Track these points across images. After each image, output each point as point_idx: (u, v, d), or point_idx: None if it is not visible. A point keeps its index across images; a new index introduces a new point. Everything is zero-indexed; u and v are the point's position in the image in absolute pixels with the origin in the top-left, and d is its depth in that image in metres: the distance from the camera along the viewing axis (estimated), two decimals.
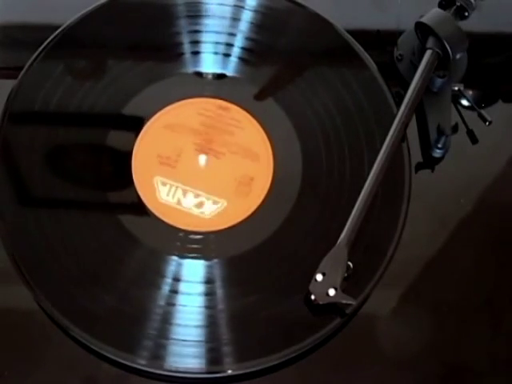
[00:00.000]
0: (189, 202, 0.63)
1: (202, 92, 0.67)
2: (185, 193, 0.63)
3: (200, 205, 0.63)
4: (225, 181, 0.64)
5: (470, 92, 0.68)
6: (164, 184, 0.63)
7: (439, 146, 0.65)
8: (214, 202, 0.63)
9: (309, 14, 0.69)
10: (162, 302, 0.59)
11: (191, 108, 0.66)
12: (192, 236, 0.62)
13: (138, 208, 0.63)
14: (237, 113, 0.66)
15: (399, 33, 0.70)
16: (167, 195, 0.63)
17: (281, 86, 0.67)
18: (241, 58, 0.68)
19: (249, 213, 0.63)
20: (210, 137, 0.65)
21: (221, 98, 0.66)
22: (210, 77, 0.68)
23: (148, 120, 0.65)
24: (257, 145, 0.65)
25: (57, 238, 0.61)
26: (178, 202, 0.63)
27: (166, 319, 0.59)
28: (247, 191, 0.63)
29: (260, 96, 0.66)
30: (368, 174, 0.61)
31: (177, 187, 0.63)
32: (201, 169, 0.64)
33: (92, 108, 0.65)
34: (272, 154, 0.65)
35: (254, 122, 0.66)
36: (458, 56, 0.65)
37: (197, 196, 0.63)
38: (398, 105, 0.64)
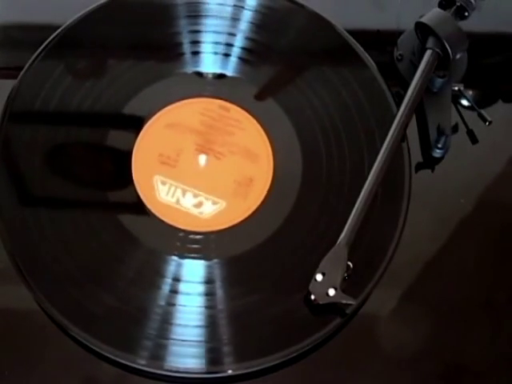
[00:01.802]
0: (188, 201, 0.63)
1: (201, 92, 0.67)
2: (184, 192, 0.63)
3: (199, 205, 0.63)
4: (224, 181, 0.64)
5: (470, 92, 0.68)
6: (164, 183, 0.63)
7: (439, 146, 0.65)
8: (214, 203, 0.63)
9: (309, 13, 0.69)
10: (161, 302, 0.59)
11: (192, 108, 0.66)
12: (192, 236, 0.62)
13: (138, 208, 0.63)
14: (237, 113, 0.66)
15: (399, 33, 0.70)
16: (166, 194, 0.63)
17: (281, 86, 0.67)
18: (241, 58, 0.68)
19: (249, 213, 0.63)
20: (211, 137, 0.65)
21: (221, 98, 0.66)
22: (209, 77, 0.68)
23: (148, 120, 0.65)
24: (257, 145, 0.65)
25: (57, 238, 0.61)
26: (177, 202, 0.63)
27: (166, 319, 0.59)
28: (246, 192, 0.63)
29: (260, 96, 0.66)
30: (368, 174, 0.61)
31: (176, 187, 0.63)
32: (201, 169, 0.64)
33: (92, 108, 0.65)
34: (272, 154, 0.65)
35: (254, 121, 0.66)
36: (458, 56, 0.65)
37: (196, 196, 0.63)
38: (398, 105, 0.64)
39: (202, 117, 0.66)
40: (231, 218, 0.62)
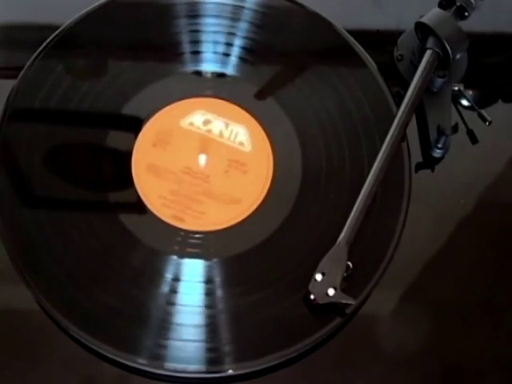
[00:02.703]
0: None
1: (201, 92, 0.67)
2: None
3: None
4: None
5: (470, 92, 0.68)
6: None
7: (439, 145, 0.65)
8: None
9: (309, 13, 0.69)
10: (162, 302, 0.59)
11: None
12: (192, 236, 0.62)
13: (138, 208, 0.63)
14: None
15: (399, 33, 0.70)
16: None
17: (281, 86, 0.67)
18: (241, 58, 0.68)
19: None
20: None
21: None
22: (209, 76, 0.68)
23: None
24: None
25: (57, 238, 0.61)
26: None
27: (166, 319, 0.59)
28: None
29: (260, 95, 0.66)
30: (368, 174, 0.61)
31: None
32: (201, 168, 0.64)
33: (92, 108, 0.65)
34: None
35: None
36: (458, 56, 0.65)
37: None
38: (398, 105, 0.64)
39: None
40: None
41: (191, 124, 0.65)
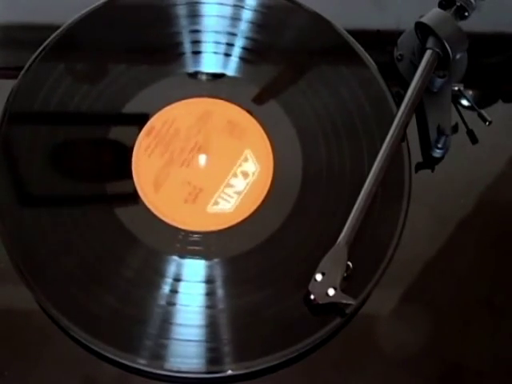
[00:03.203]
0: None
1: (202, 92, 0.67)
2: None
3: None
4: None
5: (470, 92, 0.68)
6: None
7: (439, 145, 0.65)
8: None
9: (309, 13, 0.69)
10: (162, 302, 0.59)
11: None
12: (192, 236, 0.62)
13: (139, 208, 0.63)
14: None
15: (399, 33, 0.70)
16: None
17: (281, 86, 0.67)
18: (241, 58, 0.68)
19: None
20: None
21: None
22: (210, 77, 0.68)
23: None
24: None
25: (57, 238, 0.61)
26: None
27: (167, 319, 0.59)
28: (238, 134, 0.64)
29: (259, 99, 0.66)
30: (368, 174, 0.61)
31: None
32: (201, 169, 0.64)
33: (92, 108, 0.65)
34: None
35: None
36: (458, 56, 0.65)
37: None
38: (398, 105, 0.64)
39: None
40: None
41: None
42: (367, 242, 0.61)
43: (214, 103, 0.66)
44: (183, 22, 0.69)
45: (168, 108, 0.66)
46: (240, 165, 0.64)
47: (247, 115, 0.66)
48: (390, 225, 0.62)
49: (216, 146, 0.65)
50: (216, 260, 0.61)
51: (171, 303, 0.59)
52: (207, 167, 0.64)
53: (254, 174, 0.64)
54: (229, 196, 0.63)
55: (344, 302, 0.58)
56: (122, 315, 0.59)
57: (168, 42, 0.68)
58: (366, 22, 0.72)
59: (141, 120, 0.65)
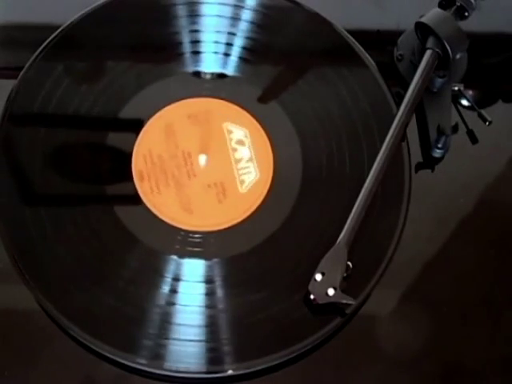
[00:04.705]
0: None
1: (201, 92, 0.67)
2: None
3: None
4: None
5: (470, 92, 0.68)
6: None
7: (439, 145, 0.65)
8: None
9: (309, 13, 0.69)
10: (161, 302, 0.59)
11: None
12: (192, 236, 0.62)
13: (138, 208, 0.63)
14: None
15: (399, 33, 0.70)
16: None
17: (281, 86, 0.67)
18: (241, 58, 0.68)
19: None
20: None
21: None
22: (209, 76, 0.68)
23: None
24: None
25: (57, 238, 0.61)
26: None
27: (166, 319, 0.59)
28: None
29: (263, 99, 0.66)
30: (368, 174, 0.61)
31: None
32: (206, 168, 0.64)
33: (92, 108, 0.65)
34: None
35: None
36: (458, 56, 0.65)
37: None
38: (398, 105, 0.64)
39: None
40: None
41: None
42: (367, 242, 0.61)
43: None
44: (183, 22, 0.69)
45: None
46: (230, 139, 0.65)
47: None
48: (389, 225, 0.62)
49: (199, 143, 0.65)
50: (216, 260, 0.61)
51: (171, 303, 0.59)
52: (209, 163, 0.64)
53: (246, 136, 0.64)
54: (246, 168, 0.64)
55: (344, 301, 0.58)
56: (121, 315, 0.59)
57: (168, 42, 0.68)
58: (366, 22, 0.72)
59: (141, 120, 0.65)
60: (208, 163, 0.64)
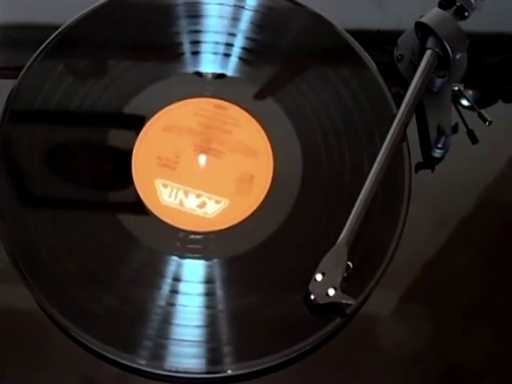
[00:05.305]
0: (191, 202, 0.63)
1: (201, 92, 0.67)
2: (186, 194, 0.63)
3: (202, 205, 0.63)
4: (226, 180, 0.64)
5: (470, 92, 0.68)
6: (165, 186, 0.63)
7: (439, 145, 0.65)
8: (216, 202, 0.63)
9: (309, 13, 0.69)
10: (162, 302, 0.59)
11: (190, 108, 0.66)
12: (192, 236, 0.62)
13: (138, 208, 0.63)
14: (234, 111, 0.66)
15: (399, 33, 0.70)
16: (169, 197, 0.63)
17: (281, 86, 0.67)
18: (241, 58, 0.68)
19: (249, 213, 0.63)
20: (209, 136, 0.65)
21: (221, 98, 0.66)
22: (209, 77, 0.68)
23: (148, 120, 0.65)
24: (256, 144, 0.65)
25: (57, 238, 0.61)
26: (181, 204, 0.63)
27: (166, 319, 0.59)
28: (249, 189, 0.63)
29: (260, 95, 0.66)
30: (368, 174, 0.61)
31: (178, 189, 0.63)
32: (201, 169, 0.64)
33: (92, 108, 0.65)
34: (272, 154, 0.65)
35: (254, 122, 0.66)
36: (458, 56, 0.65)
37: (198, 196, 0.63)
38: (398, 105, 0.64)
39: (199, 117, 0.66)
40: (231, 218, 0.62)
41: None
42: (367, 242, 0.61)
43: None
44: (183, 22, 0.69)
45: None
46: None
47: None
48: (390, 224, 0.62)
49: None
50: (216, 260, 0.61)
51: (171, 303, 0.59)
52: (209, 163, 0.64)
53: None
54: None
55: (344, 301, 0.58)
56: (121, 315, 0.59)
57: (168, 42, 0.68)
58: (366, 22, 0.72)
59: (141, 120, 0.65)
60: (208, 163, 0.64)
